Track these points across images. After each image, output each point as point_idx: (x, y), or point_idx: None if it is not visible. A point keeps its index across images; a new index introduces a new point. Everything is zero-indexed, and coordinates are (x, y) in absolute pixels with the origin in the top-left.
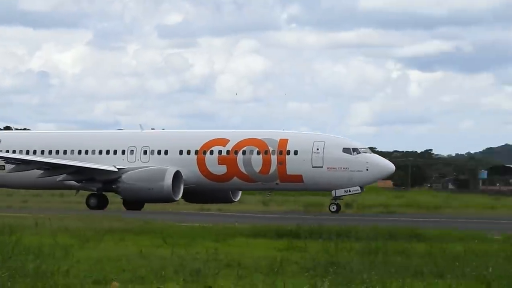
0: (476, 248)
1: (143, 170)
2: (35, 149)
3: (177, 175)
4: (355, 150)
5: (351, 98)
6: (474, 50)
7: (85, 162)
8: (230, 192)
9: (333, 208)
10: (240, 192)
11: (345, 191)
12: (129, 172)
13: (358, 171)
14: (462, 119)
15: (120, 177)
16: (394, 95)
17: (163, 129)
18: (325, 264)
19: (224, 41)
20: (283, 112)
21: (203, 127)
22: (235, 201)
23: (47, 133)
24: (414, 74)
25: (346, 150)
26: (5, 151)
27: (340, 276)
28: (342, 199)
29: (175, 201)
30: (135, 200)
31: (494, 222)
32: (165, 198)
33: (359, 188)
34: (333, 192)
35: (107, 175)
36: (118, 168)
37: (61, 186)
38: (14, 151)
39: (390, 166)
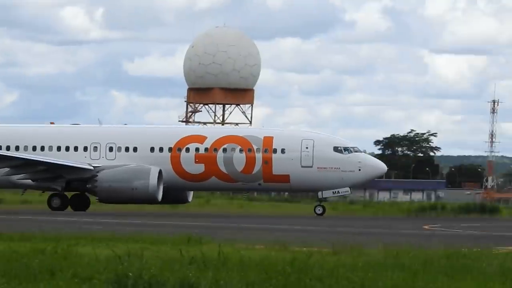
0: None
1: (124, 169)
2: None
3: (159, 175)
4: (346, 149)
5: None
6: None
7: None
8: (186, 192)
9: (319, 210)
10: (192, 192)
11: (333, 192)
12: (107, 170)
13: (350, 171)
14: None
15: (96, 175)
16: None
17: (125, 124)
18: None
19: None
20: None
21: None
22: (189, 202)
23: None
24: None
25: (337, 149)
26: None
27: None
28: (327, 200)
29: (158, 202)
30: (114, 201)
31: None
32: (149, 199)
33: (349, 189)
34: (319, 193)
35: (79, 173)
36: (93, 166)
37: (13, 185)
38: None
39: (382, 166)
